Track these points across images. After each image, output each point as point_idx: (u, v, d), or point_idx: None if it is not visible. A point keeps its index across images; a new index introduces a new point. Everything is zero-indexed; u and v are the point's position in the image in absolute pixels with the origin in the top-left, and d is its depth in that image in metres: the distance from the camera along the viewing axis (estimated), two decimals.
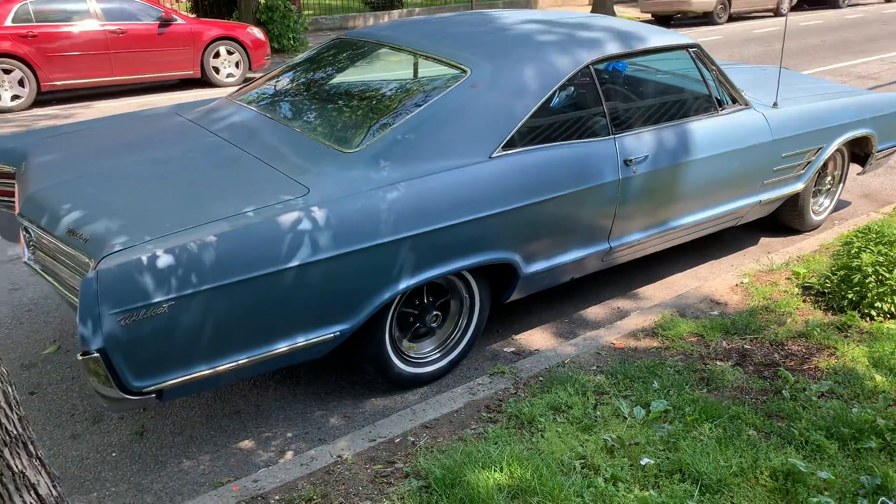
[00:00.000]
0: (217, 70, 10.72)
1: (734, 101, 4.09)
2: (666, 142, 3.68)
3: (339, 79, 3.82)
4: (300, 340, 2.72)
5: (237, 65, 10.86)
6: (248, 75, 11.12)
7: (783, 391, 2.84)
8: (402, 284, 2.89)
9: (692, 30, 16.39)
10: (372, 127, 3.17)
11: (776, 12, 18.87)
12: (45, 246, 2.79)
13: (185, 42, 10.37)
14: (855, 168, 5.08)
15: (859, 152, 4.92)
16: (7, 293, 4.11)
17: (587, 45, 3.55)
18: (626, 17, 17.42)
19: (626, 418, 2.69)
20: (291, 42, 13.74)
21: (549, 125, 3.35)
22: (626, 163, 3.49)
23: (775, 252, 4.45)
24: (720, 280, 4.01)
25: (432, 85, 3.33)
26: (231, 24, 11.10)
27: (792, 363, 3.07)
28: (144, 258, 2.37)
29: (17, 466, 1.48)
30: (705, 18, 17.62)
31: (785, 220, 4.83)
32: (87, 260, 2.47)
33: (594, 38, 3.63)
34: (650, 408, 2.72)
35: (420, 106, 3.15)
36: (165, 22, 10.20)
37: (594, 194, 3.39)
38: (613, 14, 18.03)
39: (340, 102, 3.57)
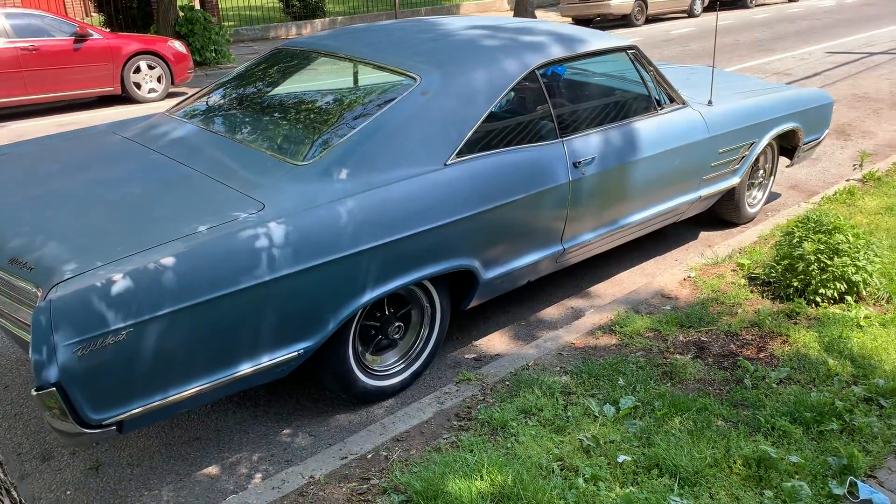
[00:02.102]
0: (138, 85, 10.39)
1: (672, 100, 4.20)
2: (611, 143, 3.75)
3: (284, 90, 3.74)
4: (264, 361, 2.64)
5: (159, 79, 10.55)
6: (172, 90, 10.82)
7: (744, 380, 2.92)
8: (366, 297, 2.85)
9: (612, 32, 16.81)
10: (325, 138, 3.12)
11: (689, 13, 19.55)
12: None
13: (102, 57, 10.00)
14: (783, 161, 5.28)
15: (787, 145, 5.13)
16: None
17: (532, 49, 3.59)
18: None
19: (597, 417, 2.72)
20: (213, 54, 13.44)
21: (500, 130, 3.36)
22: (576, 165, 3.53)
23: (716, 245, 4.59)
24: (668, 275, 4.11)
25: (383, 94, 3.30)
26: (151, 38, 10.77)
27: (748, 352, 3.17)
28: (98, 284, 2.26)
29: None
30: (623, 21, 18.11)
31: (722, 213, 5.00)
32: (34, 290, 2.34)
33: (538, 43, 3.66)
34: (619, 405, 2.76)
35: (372, 115, 3.11)
36: (81, 37, 9.83)
37: (547, 197, 3.42)
38: (534, 17, 18.35)
39: (288, 114, 3.50)
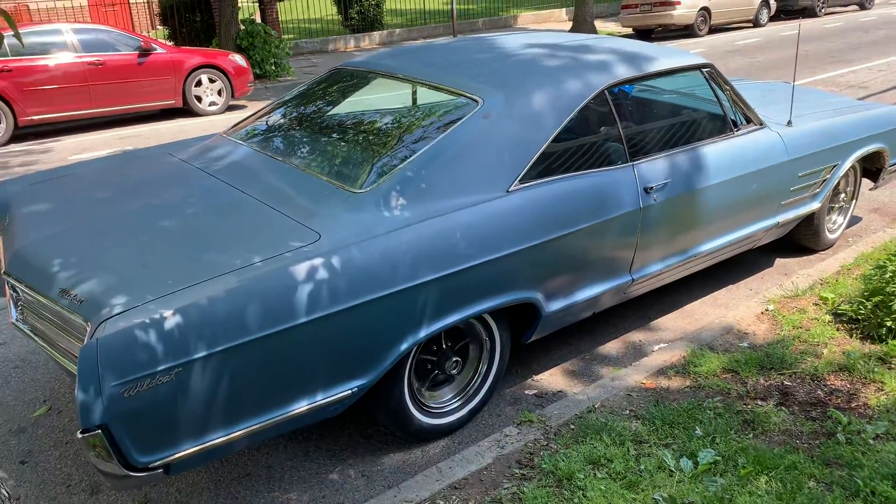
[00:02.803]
0: (199, 99, 10.51)
1: (749, 120, 3.95)
2: (684, 167, 3.53)
3: (341, 112, 3.63)
4: (316, 400, 2.51)
5: (220, 92, 10.66)
6: (232, 103, 10.93)
7: (837, 434, 2.66)
8: (424, 332, 2.70)
9: (674, 43, 16.40)
10: (382, 163, 2.98)
11: (755, 23, 18.97)
12: (34, 306, 2.57)
13: (165, 71, 10.16)
14: (866, 183, 4.95)
15: (871, 167, 4.81)
16: None
17: (600, 68, 3.40)
18: (607, 32, 17.47)
19: (672, 472, 2.50)
20: (273, 67, 13.56)
21: (566, 155, 3.18)
22: (647, 190, 3.33)
23: (795, 274, 4.30)
24: (744, 308, 3.84)
25: (443, 117, 3.15)
26: (212, 52, 10.90)
27: (839, 401, 2.90)
28: (148, 321, 2.16)
29: None
30: (686, 31, 17.66)
31: (800, 239, 4.70)
32: (82, 323, 2.26)
33: (606, 62, 3.47)
34: (698, 459, 2.53)
35: (432, 140, 2.96)
36: (145, 52, 10.00)
37: (616, 225, 3.22)
38: (594, 30, 18.05)
39: (346, 138, 3.38)
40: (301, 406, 2.48)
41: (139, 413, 2.15)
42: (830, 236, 4.79)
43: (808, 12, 20.45)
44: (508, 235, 2.87)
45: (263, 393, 2.39)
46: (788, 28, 17.97)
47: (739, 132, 3.85)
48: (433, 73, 3.40)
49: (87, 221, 2.81)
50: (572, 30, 17.88)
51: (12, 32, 1.68)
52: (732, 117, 3.86)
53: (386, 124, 3.45)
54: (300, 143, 3.42)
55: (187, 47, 11.75)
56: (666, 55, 3.70)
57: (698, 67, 3.77)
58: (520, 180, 2.98)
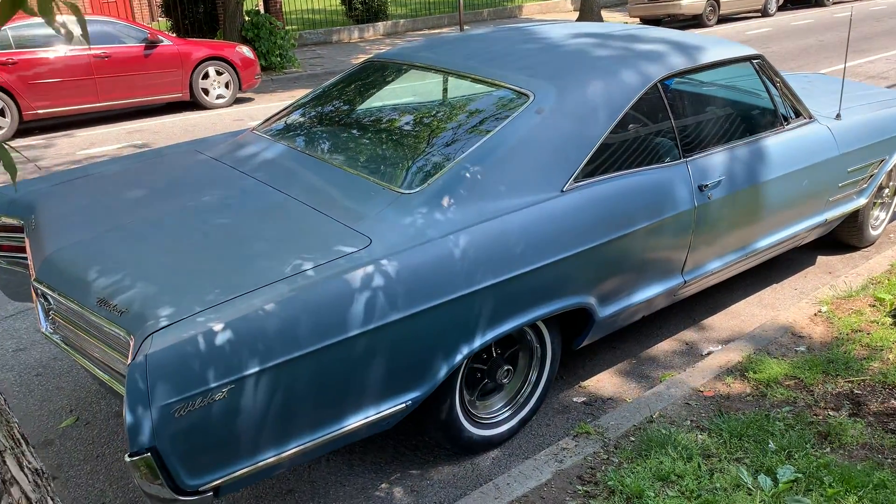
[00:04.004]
0: (206, 91, 10.31)
1: (798, 114, 3.79)
2: (737, 163, 3.37)
3: (378, 107, 3.46)
4: (370, 415, 2.37)
5: (227, 85, 10.47)
6: (239, 95, 10.75)
7: None
8: (479, 341, 2.55)
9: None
10: (430, 162, 2.82)
11: (763, 13, 18.78)
12: (68, 316, 2.42)
13: (172, 64, 9.96)
14: None
15: None
16: (11, 355, 3.70)
17: (652, 59, 3.24)
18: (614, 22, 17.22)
19: (751, 490, 2.35)
20: (279, 59, 13.35)
21: (620, 151, 3.02)
22: (701, 188, 3.17)
23: (841, 273, 4.15)
24: (795, 309, 3.69)
25: (493, 112, 2.98)
26: (219, 44, 10.70)
27: None
28: (197, 334, 2.00)
29: None
30: (695, 21, 17.47)
31: (843, 236, 4.55)
32: (125, 336, 2.10)
33: (657, 52, 3.31)
34: (777, 476, 2.38)
35: (482, 137, 2.80)
36: (152, 44, 9.80)
37: (671, 224, 3.07)
38: (601, 19, 17.83)
39: (388, 135, 3.21)
40: (355, 421, 2.34)
41: (190, 434, 2.00)
42: (873, 233, 4.64)
43: (817, 1, 20.25)
44: (565, 238, 2.71)
45: (317, 409, 2.25)
46: (797, 17, 17.76)
47: (790, 126, 3.69)
48: (476, 66, 3.24)
49: (121, 225, 2.64)
50: (579, 19, 17.66)
51: (79, 26, 1.51)
52: (783, 111, 3.70)
53: (430, 121, 3.28)
54: (338, 140, 3.25)
55: (194, 39, 11.53)
56: (716, 45, 3.54)
57: (749, 58, 3.61)
58: (574, 179, 2.82)
